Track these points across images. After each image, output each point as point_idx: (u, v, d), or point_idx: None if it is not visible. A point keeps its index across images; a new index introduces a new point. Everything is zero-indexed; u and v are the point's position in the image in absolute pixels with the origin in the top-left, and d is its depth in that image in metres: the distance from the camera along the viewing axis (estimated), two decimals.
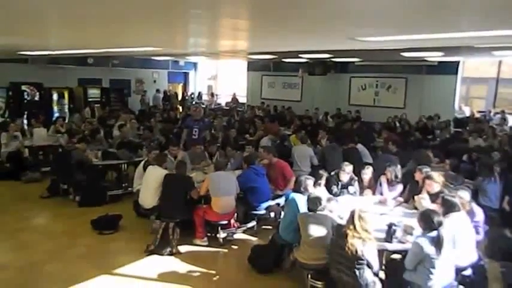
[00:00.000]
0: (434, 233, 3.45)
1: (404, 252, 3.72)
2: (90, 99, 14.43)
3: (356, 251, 3.50)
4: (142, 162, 6.12)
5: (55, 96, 13.97)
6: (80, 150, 7.12)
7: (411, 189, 5.24)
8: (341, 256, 3.60)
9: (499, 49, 7.80)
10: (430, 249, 3.40)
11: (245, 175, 5.71)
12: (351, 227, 3.58)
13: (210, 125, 8.97)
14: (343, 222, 3.92)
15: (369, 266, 3.58)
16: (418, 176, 5.17)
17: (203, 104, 17.23)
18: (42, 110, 12.88)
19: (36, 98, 13.47)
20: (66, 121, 10.78)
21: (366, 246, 3.54)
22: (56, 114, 13.22)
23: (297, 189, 4.73)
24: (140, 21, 4.13)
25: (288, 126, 11.06)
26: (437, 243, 3.40)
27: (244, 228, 5.74)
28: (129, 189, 6.95)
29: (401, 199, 5.30)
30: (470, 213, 4.24)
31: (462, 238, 3.79)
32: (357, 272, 3.53)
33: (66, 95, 14.18)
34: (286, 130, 10.45)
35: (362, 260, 3.53)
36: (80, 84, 14.89)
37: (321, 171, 5.34)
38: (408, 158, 6.75)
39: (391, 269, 3.93)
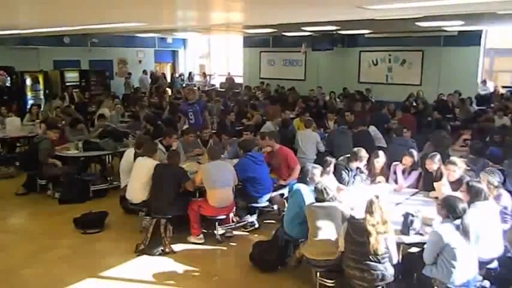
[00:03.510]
0: (458, 221, 3.46)
1: (423, 246, 3.73)
2: (67, 84, 14.35)
3: (381, 249, 3.52)
4: (132, 153, 6.07)
5: (28, 82, 13.88)
6: (50, 140, 7.05)
7: (428, 175, 5.22)
8: (358, 253, 3.61)
9: None
10: (450, 238, 3.42)
11: (241, 164, 5.68)
12: (373, 221, 3.55)
13: (205, 106, 9.01)
14: (356, 213, 3.92)
15: (390, 259, 3.62)
16: (428, 165, 5.15)
17: (195, 85, 17.16)
18: (14, 97, 12.85)
19: (7, 84, 13.38)
20: (42, 109, 10.73)
21: (389, 239, 3.57)
22: (30, 102, 13.17)
23: (302, 179, 4.72)
24: None
25: (291, 108, 11.02)
26: (462, 232, 3.42)
27: (244, 223, 5.75)
28: (115, 183, 6.95)
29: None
30: (497, 199, 4.25)
31: (488, 229, 3.79)
32: (382, 266, 3.56)
33: (40, 80, 14.09)
34: (290, 113, 10.38)
35: (385, 252, 3.56)
36: (55, 67, 14.81)
37: (328, 158, 5.33)
38: (425, 140, 6.74)
39: (409, 264, 3.94)
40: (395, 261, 3.67)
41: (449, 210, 3.55)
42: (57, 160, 6.96)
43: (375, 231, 3.52)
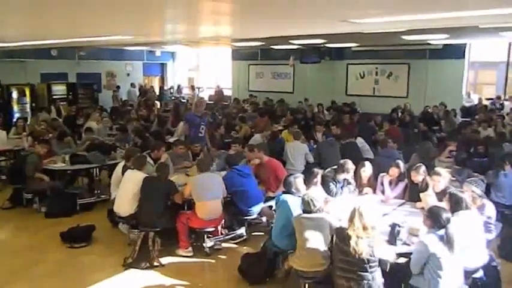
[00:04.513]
0: (442, 231, 3.52)
1: (409, 256, 3.77)
2: (55, 97, 14.30)
3: (362, 253, 3.55)
4: (121, 166, 6.06)
5: (15, 95, 13.79)
6: (38, 154, 6.99)
7: (414, 186, 5.30)
8: (345, 262, 3.65)
9: (506, 29, 7.92)
10: (435, 248, 3.47)
11: (228, 178, 5.67)
12: (353, 227, 3.62)
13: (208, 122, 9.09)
14: (343, 224, 3.96)
15: (381, 264, 3.65)
16: (413, 177, 5.22)
17: (184, 98, 17.18)
18: (0, 111, 12.74)
19: None
20: (28, 122, 10.65)
21: (374, 244, 3.61)
22: (17, 115, 13.06)
23: (287, 190, 4.76)
24: (106, 5, 4.10)
25: (278, 121, 11.09)
26: (447, 241, 3.48)
27: (233, 235, 5.76)
28: (102, 196, 6.90)
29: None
30: (481, 209, 4.33)
31: (471, 238, 3.86)
32: (369, 276, 3.59)
33: (27, 93, 14.02)
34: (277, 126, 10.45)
35: (373, 261, 3.59)
36: (43, 80, 14.74)
37: (315, 169, 5.38)
38: (411, 151, 6.84)
39: (396, 274, 3.98)
40: (392, 260, 3.71)
41: (434, 220, 3.61)
42: (44, 175, 6.89)
43: (354, 235, 3.58)
